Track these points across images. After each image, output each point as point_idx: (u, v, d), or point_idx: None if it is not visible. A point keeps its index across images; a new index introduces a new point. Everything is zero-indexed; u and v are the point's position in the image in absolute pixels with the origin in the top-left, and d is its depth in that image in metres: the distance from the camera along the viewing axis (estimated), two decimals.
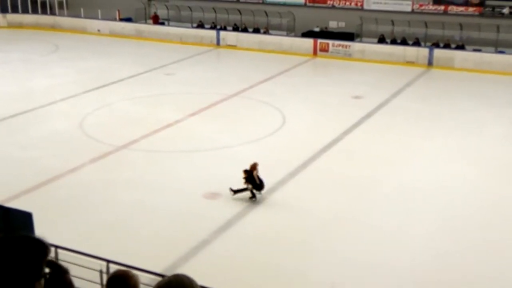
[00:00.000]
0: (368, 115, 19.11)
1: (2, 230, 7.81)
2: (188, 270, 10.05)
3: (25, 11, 35.91)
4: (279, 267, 10.40)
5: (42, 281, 2.32)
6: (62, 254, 7.53)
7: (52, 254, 7.97)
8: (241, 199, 12.89)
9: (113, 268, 6.75)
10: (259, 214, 12.49)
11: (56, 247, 7.83)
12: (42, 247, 2.33)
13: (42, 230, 8.61)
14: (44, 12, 36.25)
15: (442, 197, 13.27)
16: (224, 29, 31.84)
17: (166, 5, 34.06)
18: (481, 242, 11.41)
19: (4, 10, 35.38)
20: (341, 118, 18.73)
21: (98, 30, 33.51)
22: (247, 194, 12.90)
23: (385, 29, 28.91)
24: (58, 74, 24.13)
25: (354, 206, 12.82)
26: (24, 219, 8.04)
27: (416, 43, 27.70)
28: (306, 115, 19.28)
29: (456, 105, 20.54)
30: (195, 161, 15.21)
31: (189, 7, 33.08)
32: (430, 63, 26.16)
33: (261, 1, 32.32)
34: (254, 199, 12.87)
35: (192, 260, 10.54)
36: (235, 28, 31.80)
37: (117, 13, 34.57)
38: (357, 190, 13.58)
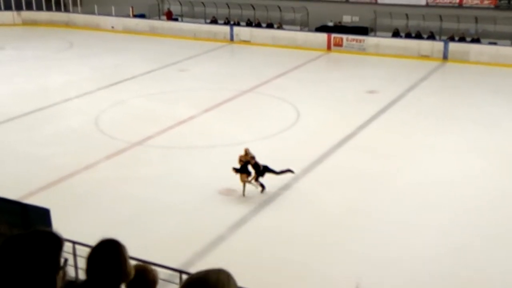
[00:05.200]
0: (383, 110, 18.99)
1: (21, 226, 7.89)
2: (204, 266, 10.01)
3: (39, 8, 36.17)
4: (293, 262, 10.39)
5: (61, 273, 2.32)
6: (80, 250, 7.58)
7: (70, 250, 8.01)
8: (256, 195, 12.88)
9: (131, 263, 6.76)
10: (274, 210, 12.48)
11: (74, 242, 7.90)
12: (56, 239, 2.34)
13: (59, 226, 8.68)
14: (58, 9, 36.49)
15: (457, 191, 13.16)
16: (238, 24, 31.80)
17: (179, 1, 34.09)
18: (496, 236, 11.32)
19: (19, 8, 35.66)
20: (355, 113, 18.63)
21: (112, 27, 33.65)
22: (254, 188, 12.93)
23: (399, 23, 28.67)
24: (73, 71, 24.30)
25: (369, 201, 12.76)
26: (41, 215, 8.11)
27: (431, 36, 27.45)
28: (320, 110, 19.21)
29: (471, 99, 20.34)
30: (210, 157, 15.23)
31: (203, 3, 33.09)
32: (445, 57, 25.92)
33: None
34: (264, 189, 12.86)
35: (208, 255, 10.57)
36: (249, 24, 31.75)
37: (130, 9, 34.68)
38: (372, 185, 13.52)
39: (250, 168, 12.86)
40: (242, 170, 12.81)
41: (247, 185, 12.90)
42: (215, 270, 2.24)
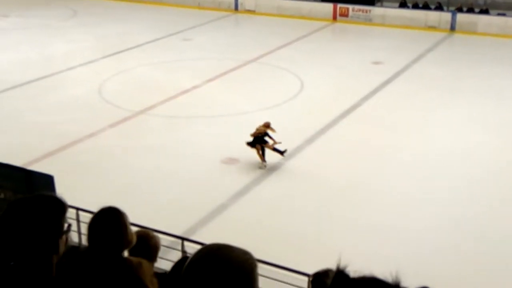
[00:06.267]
0: (388, 81, 18.87)
1: (25, 192, 7.95)
2: (205, 234, 10.19)
3: None
4: (295, 232, 10.48)
5: (64, 237, 2.35)
6: (83, 216, 7.65)
7: (73, 216, 8.07)
8: (259, 165, 12.92)
9: (133, 230, 6.83)
10: (276, 180, 12.53)
11: (78, 209, 7.98)
12: (60, 204, 2.36)
13: (63, 192, 8.74)
14: None
15: (462, 164, 13.16)
16: None
17: None
18: (501, 210, 11.35)
19: None
20: (360, 84, 18.52)
21: None
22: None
23: None
24: (77, 39, 24.14)
25: (371, 172, 12.79)
26: (46, 181, 8.16)
27: (439, 7, 27.06)
28: (324, 81, 19.09)
29: (479, 71, 20.14)
30: (213, 127, 15.24)
31: None
32: (452, 28, 25.59)
33: None
34: (265, 164, 12.87)
35: (209, 224, 10.68)
36: None
37: None
38: (375, 157, 13.52)
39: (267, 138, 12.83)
40: (257, 141, 12.76)
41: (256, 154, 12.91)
42: (238, 249, 1.90)
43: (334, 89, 18.39)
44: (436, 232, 10.52)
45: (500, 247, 10.18)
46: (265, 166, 12.84)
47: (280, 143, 12.80)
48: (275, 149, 12.82)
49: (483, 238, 10.39)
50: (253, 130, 12.83)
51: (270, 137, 12.82)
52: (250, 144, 12.79)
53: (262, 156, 12.81)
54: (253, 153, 12.88)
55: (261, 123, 13.02)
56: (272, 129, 12.86)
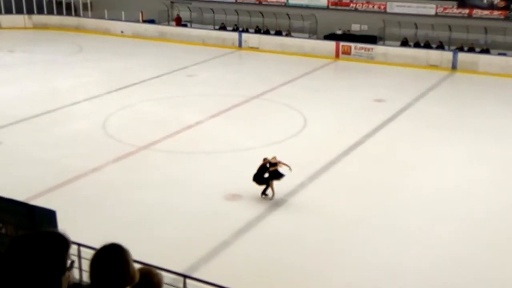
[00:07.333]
0: (390, 119, 18.95)
1: (27, 227, 7.91)
2: (208, 271, 10.08)
3: (50, 12, 36.41)
4: (298, 269, 10.37)
5: (67, 274, 2.33)
6: (85, 252, 7.60)
7: (74, 252, 8.02)
8: (261, 201, 12.88)
9: (135, 267, 6.76)
10: (278, 216, 12.47)
11: (79, 244, 7.91)
12: (63, 241, 2.35)
13: (65, 228, 8.68)
14: (68, 13, 36.73)
15: (464, 202, 13.11)
16: (246, 31, 31.89)
17: (188, 7, 34.24)
18: (502, 248, 11.24)
19: (30, 11, 35.93)
20: (362, 122, 18.61)
21: (122, 32, 33.82)
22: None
23: (408, 32, 28.67)
24: (82, 74, 24.43)
25: (374, 209, 12.73)
26: (48, 216, 8.13)
27: (440, 46, 27.42)
28: (327, 118, 19.19)
29: (479, 109, 20.26)
30: (216, 163, 15.25)
31: (212, 9, 33.22)
32: (454, 67, 25.86)
33: (283, 4, 32.30)
34: (271, 197, 12.93)
35: (212, 261, 10.56)
36: (257, 31, 31.83)
37: (140, 15, 34.86)
38: (377, 194, 13.48)
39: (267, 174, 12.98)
40: (272, 177, 12.89)
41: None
42: None
43: (337, 126, 18.47)
44: (439, 270, 10.39)
45: (504, 285, 10.03)
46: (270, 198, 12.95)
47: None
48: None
49: (486, 276, 10.25)
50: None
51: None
52: (263, 180, 12.87)
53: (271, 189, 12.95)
54: (257, 188, 12.93)
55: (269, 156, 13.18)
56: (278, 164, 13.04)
